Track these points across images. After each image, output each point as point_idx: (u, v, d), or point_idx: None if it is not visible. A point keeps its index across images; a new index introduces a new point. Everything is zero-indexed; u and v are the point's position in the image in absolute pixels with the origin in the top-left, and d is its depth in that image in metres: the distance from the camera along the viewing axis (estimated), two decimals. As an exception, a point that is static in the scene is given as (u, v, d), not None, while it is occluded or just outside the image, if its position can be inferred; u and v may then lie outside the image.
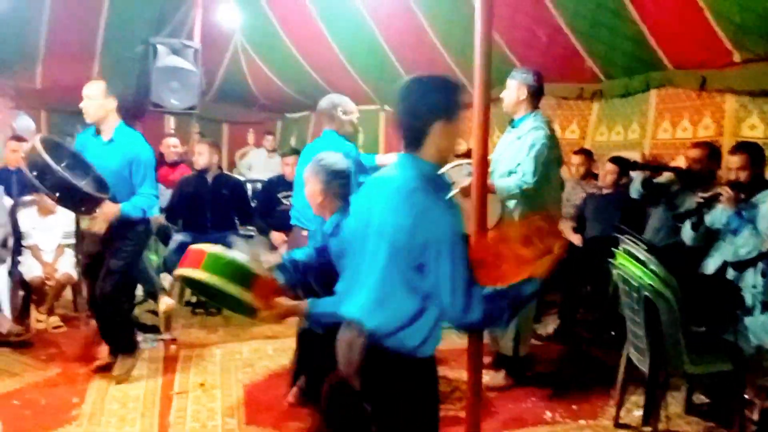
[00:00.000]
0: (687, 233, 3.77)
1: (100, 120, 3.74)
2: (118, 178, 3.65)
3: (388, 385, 1.87)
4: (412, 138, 1.90)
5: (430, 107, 1.88)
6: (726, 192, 3.44)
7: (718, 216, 3.54)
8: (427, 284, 1.78)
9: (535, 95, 3.60)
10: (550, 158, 3.49)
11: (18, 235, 4.72)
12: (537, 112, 3.61)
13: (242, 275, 2.23)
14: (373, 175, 2.12)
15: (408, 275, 1.80)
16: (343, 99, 4.03)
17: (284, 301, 2.22)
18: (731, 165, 3.67)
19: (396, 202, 1.82)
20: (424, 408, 1.91)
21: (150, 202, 3.77)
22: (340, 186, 2.86)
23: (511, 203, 3.49)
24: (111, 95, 3.75)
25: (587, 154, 5.38)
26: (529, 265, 1.91)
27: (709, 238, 3.66)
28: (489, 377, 3.64)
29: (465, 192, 3.28)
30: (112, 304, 3.71)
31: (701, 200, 3.61)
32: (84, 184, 3.45)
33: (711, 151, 4.11)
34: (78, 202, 3.49)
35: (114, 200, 3.57)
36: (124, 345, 3.84)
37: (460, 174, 3.46)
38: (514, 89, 3.57)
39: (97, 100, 3.70)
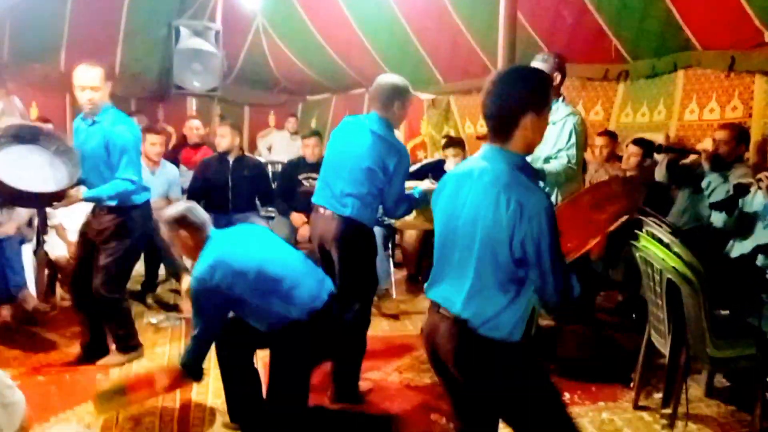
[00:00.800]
0: (719, 217, 3.72)
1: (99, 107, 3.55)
2: (96, 161, 3.49)
3: (490, 373, 1.91)
4: (502, 130, 1.89)
5: (523, 100, 1.87)
6: (766, 178, 3.38)
7: (755, 202, 3.49)
8: (526, 274, 1.83)
9: (563, 80, 3.55)
10: (583, 143, 3.51)
11: (43, 214, 4.79)
12: (563, 97, 3.57)
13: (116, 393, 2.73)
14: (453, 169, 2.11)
15: (505, 267, 1.83)
16: (408, 90, 3.33)
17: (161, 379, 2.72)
18: None
19: (491, 196, 1.82)
20: (532, 386, 1.96)
21: (122, 187, 3.45)
22: (189, 229, 2.82)
23: (548, 188, 3.45)
24: (107, 79, 3.55)
25: (611, 136, 5.30)
26: (601, 230, 1.91)
27: (740, 223, 3.61)
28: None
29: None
30: (105, 302, 3.58)
31: (738, 184, 3.56)
32: (39, 181, 3.26)
33: (739, 133, 4.03)
34: (35, 201, 3.45)
35: (87, 185, 3.44)
36: (121, 343, 3.74)
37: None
38: (549, 74, 3.48)
39: (103, 90, 3.52)
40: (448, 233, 1.97)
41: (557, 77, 3.46)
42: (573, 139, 3.39)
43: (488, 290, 1.85)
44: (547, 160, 3.43)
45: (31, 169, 3.31)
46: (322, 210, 3.24)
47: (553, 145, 3.42)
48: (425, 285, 2.08)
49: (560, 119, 3.44)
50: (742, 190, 3.55)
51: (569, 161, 3.37)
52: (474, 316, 1.86)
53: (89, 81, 3.46)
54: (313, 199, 3.35)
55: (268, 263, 2.71)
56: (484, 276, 1.85)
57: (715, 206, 3.73)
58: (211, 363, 3.68)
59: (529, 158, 2.00)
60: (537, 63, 3.44)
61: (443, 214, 2.00)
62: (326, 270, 3.09)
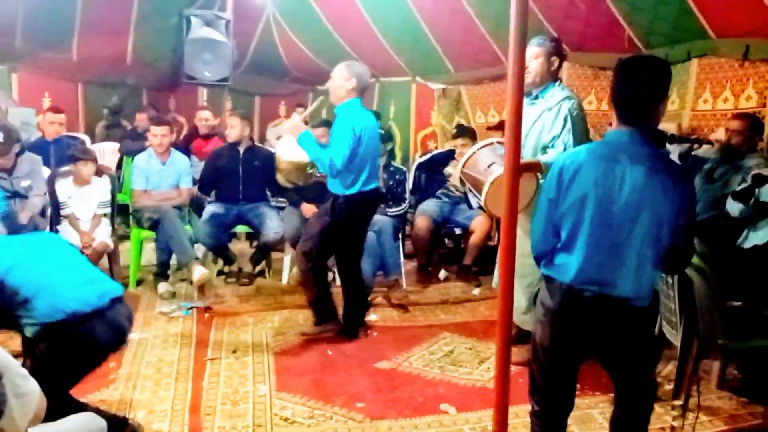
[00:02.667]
0: (735, 207, 3.68)
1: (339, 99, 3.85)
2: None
3: (643, 337, 2.18)
4: (642, 114, 2.04)
5: (663, 87, 2.06)
6: None
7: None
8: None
9: (560, 64, 3.48)
10: (582, 129, 3.39)
11: (56, 204, 4.83)
12: (560, 81, 3.50)
13: None
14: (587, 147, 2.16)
15: (663, 245, 2.02)
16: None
17: None
18: None
19: (657, 181, 1.97)
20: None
21: (320, 154, 3.77)
22: None
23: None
24: (353, 76, 3.79)
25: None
26: None
27: (755, 212, 3.58)
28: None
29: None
30: (308, 269, 3.92)
31: (757, 174, 3.52)
32: None
33: (752, 123, 3.99)
34: None
35: None
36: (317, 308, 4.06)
37: (495, 155, 3.36)
38: (545, 58, 3.40)
39: (339, 80, 3.82)
40: (599, 218, 2.02)
41: (555, 61, 3.40)
42: (568, 125, 3.29)
43: (646, 267, 2.02)
44: (543, 149, 3.35)
45: None
46: None
47: (549, 131, 3.33)
48: (544, 263, 2.22)
49: (555, 104, 3.34)
50: (759, 179, 3.51)
51: (566, 149, 3.25)
52: (633, 292, 2.04)
53: None
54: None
55: (10, 272, 2.48)
56: (646, 256, 2.01)
57: (737, 196, 3.66)
58: (222, 351, 3.73)
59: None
60: (533, 46, 3.35)
61: (592, 201, 2.03)
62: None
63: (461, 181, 3.54)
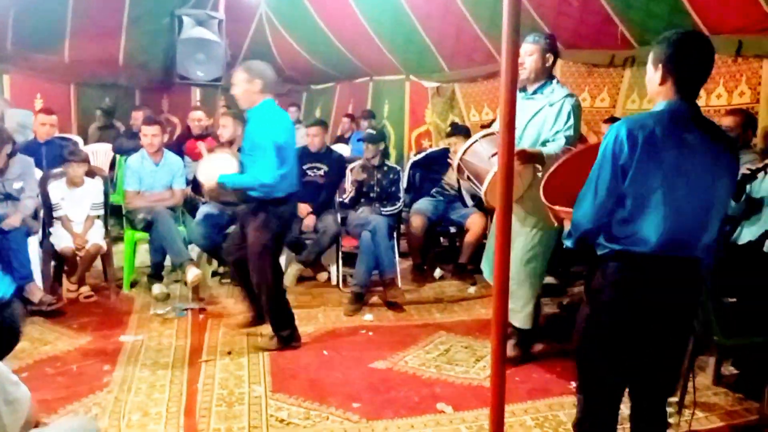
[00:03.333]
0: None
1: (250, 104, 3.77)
2: (246, 155, 3.79)
3: (696, 297, 2.28)
4: (698, 89, 2.15)
5: (711, 66, 2.12)
6: None
7: (762, 187, 3.46)
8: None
9: (555, 61, 3.50)
10: (579, 125, 3.46)
11: (48, 206, 4.80)
12: (556, 78, 3.53)
13: None
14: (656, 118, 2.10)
15: (726, 206, 2.21)
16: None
17: None
18: None
19: (725, 158, 2.11)
20: None
21: (244, 180, 3.69)
22: None
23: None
24: (256, 77, 3.70)
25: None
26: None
27: (748, 208, 3.58)
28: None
29: (521, 157, 3.20)
30: (260, 279, 3.77)
31: (747, 171, 3.52)
32: None
33: (746, 119, 3.99)
34: None
35: None
36: (278, 333, 3.88)
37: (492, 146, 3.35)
38: (539, 55, 3.41)
39: (243, 86, 3.71)
40: (679, 183, 2.05)
41: (549, 58, 3.41)
42: (571, 121, 3.34)
43: (714, 230, 2.13)
44: (544, 143, 3.38)
45: None
46: None
47: (551, 127, 3.36)
48: (604, 238, 2.16)
49: (557, 101, 3.37)
50: (749, 176, 3.53)
51: (567, 143, 3.30)
52: (705, 253, 2.14)
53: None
54: None
55: None
56: (715, 219, 2.11)
57: None
58: (217, 353, 3.72)
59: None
60: (528, 43, 3.38)
61: (671, 166, 2.04)
62: None
63: (459, 169, 3.49)
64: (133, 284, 5.03)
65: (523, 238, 3.49)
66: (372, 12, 7.23)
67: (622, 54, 5.60)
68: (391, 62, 8.07)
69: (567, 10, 5.47)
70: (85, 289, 4.74)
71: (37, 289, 4.34)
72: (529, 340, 3.69)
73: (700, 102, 4.95)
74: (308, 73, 9.55)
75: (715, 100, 4.85)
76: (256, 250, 3.70)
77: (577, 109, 3.39)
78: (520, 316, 3.55)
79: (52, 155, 5.20)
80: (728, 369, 3.44)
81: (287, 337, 3.86)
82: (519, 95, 3.47)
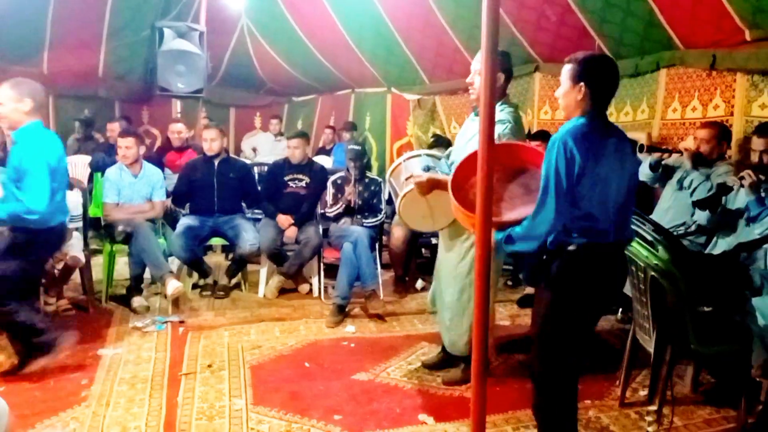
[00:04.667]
0: (703, 215, 3.76)
1: (15, 125, 3.40)
2: (10, 180, 3.37)
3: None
4: (608, 103, 2.50)
5: (618, 84, 2.52)
6: (750, 177, 3.42)
7: (737, 199, 3.52)
8: None
9: (507, 80, 3.32)
10: (516, 131, 3.22)
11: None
12: (505, 100, 3.30)
13: None
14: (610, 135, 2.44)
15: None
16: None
17: None
18: (756, 147, 3.65)
19: (629, 150, 2.53)
20: None
21: (12, 209, 3.29)
22: None
23: None
24: (26, 96, 3.35)
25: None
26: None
27: (724, 220, 3.65)
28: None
29: (422, 187, 3.15)
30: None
31: (722, 184, 3.59)
32: None
33: (720, 131, 4.07)
34: None
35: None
36: (32, 348, 3.54)
37: (415, 167, 3.30)
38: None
39: (10, 104, 3.34)
40: (615, 182, 2.39)
41: (500, 77, 3.20)
42: (504, 124, 3.13)
43: (630, 216, 2.60)
44: None
45: None
46: None
47: None
48: (574, 234, 2.39)
49: (496, 122, 3.23)
50: (724, 188, 3.59)
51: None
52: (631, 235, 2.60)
53: None
54: None
55: None
56: (632, 207, 2.55)
57: (699, 204, 3.75)
58: (197, 366, 3.69)
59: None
60: (476, 62, 3.21)
61: (611, 168, 2.38)
62: None
63: (392, 188, 3.50)
64: (112, 297, 4.99)
65: (458, 266, 3.38)
66: (353, 24, 7.28)
67: (599, 67, 5.68)
68: (372, 74, 8.11)
69: (545, 23, 5.56)
70: (63, 303, 4.69)
71: (14, 303, 4.26)
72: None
73: (676, 114, 5.07)
74: (290, 84, 9.56)
75: (691, 113, 4.94)
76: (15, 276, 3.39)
77: (512, 115, 3.20)
78: (459, 345, 3.47)
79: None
80: (706, 377, 3.49)
81: (42, 344, 3.53)
82: (471, 116, 3.43)
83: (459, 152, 3.31)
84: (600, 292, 2.49)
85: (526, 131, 6.33)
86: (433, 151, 3.73)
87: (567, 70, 2.47)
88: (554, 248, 2.42)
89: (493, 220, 2.36)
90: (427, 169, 3.26)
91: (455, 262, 3.41)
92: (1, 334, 3.74)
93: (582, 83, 2.40)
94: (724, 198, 3.63)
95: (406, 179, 3.23)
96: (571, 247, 2.40)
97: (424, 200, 3.20)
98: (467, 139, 3.29)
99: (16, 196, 3.30)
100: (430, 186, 3.17)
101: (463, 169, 2.79)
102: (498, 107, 3.18)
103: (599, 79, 2.42)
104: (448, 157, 3.51)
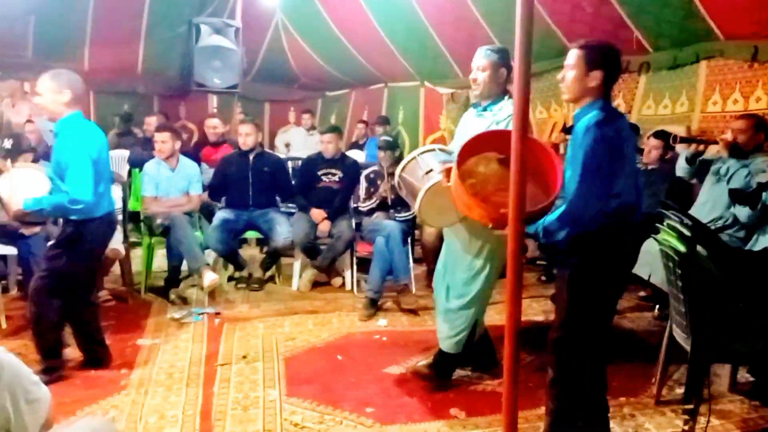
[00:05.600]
0: (743, 211, 3.67)
1: (55, 116, 3.39)
2: (55, 173, 3.38)
3: None
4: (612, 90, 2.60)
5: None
6: None
7: None
8: None
9: (509, 75, 3.19)
10: None
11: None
12: (509, 94, 3.18)
13: None
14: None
15: None
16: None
17: None
18: None
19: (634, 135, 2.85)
20: None
21: (57, 200, 3.30)
22: None
23: None
24: (65, 87, 3.32)
25: (633, 129, 5.24)
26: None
27: (764, 216, 3.56)
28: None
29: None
30: (35, 307, 3.41)
31: (764, 180, 3.51)
32: None
33: (757, 123, 3.97)
34: None
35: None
36: (42, 357, 3.47)
37: (433, 162, 3.21)
38: (492, 70, 3.17)
39: (49, 95, 3.34)
40: (631, 165, 2.54)
41: (503, 73, 3.17)
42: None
43: None
44: None
45: None
46: None
47: None
48: (607, 215, 2.45)
49: (503, 119, 3.11)
50: (765, 185, 3.51)
51: None
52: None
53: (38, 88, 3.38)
54: None
55: None
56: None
57: (738, 199, 3.67)
58: (233, 357, 3.75)
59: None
60: (479, 57, 3.21)
61: (629, 152, 2.53)
62: None
63: (399, 185, 3.41)
64: (150, 289, 5.09)
65: (465, 263, 3.30)
66: (386, 19, 7.28)
67: (637, 59, 5.59)
68: (405, 69, 8.10)
69: (580, 15, 5.47)
70: (103, 294, 4.80)
71: (56, 294, 4.39)
72: (450, 364, 3.45)
73: (716, 107, 4.96)
74: (323, 79, 9.62)
75: (732, 105, 4.82)
76: (58, 270, 3.38)
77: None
78: (448, 342, 3.38)
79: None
80: (744, 376, 3.42)
81: (52, 367, 3.45)
82: (471, 111, 3.37)
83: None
84: (625, 268, 2.64)
85: (562, 125, 6.27)
86: (446, 147, 3.66)
87: (579, 56, 2.51)
88: (596, 229, 2.46)
89: (501, 212, 2.42)
90: (445, 162, 3.19)
91: (471, 257, 3.28)
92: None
93: (598, 70, 2.47)
94: (764, 194, 3.54)
95: (426, 173, 3.14)
96: (601, 227, 2.46)
97: (444, 195, 3.11)
98: (469, 136, 3.14)
99: (61, 189, 3.33)
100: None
101: (463, 158, 2.76)
102: (506, 102, 3.17)
103: (613, 66, 2.52)
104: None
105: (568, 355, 2.60)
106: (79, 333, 3.68)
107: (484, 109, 3.25)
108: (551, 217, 2.47)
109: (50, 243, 3.50)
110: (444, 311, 3.40)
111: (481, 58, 3.21)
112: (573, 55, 2.54)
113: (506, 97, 3.21)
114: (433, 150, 3.32)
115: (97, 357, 3.67)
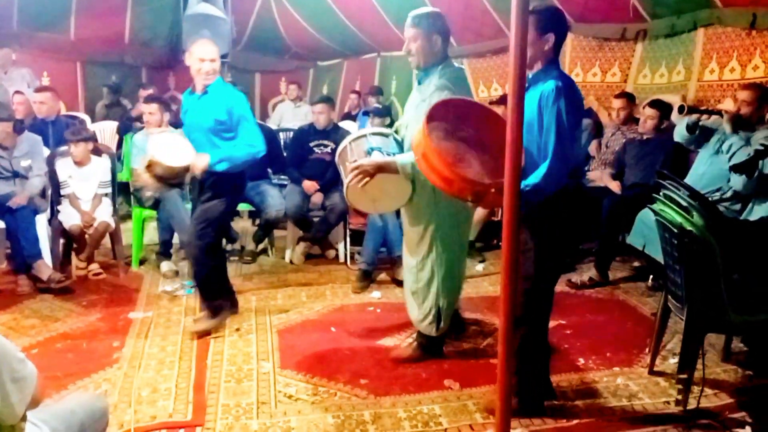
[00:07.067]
0: (739, 180, 3.64)
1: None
2: (209, 132, 3.61)
3: None
4: None
5: None
6: None
7: None
8: None
9: (446, 41, 3.06)
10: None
11: (56, 184, 4.81)
12: (446, 63, 3.05)
13: None
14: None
15: None
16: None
17: None
18: None
19: None
20: None
21: (245, 153, 3.57)
22: None
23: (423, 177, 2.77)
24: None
25: (629, 98, 5.19)
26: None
27: (761, 185, 3.54)
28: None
29: (365, 175, 2.91)
30: (199, 259, 3.68)
31: (761, 147, 3.47)
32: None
33: (762, 93, 3.91)
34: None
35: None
36: (208, 303, 3.78)
37: (360, 150, 3.12)
38: (424, 39, 2.99)
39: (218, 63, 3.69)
40: None
41: (437, 40, 3.00)
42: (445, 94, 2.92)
43: None
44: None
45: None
46: None
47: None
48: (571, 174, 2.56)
49: (429, 95, 2.96)
50: (762, 153, 3.47)
51: None
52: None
53: (210, 54, 3.62)
54: None
55: None
56: None
57: (736, 168, 3.64)
58: (226, 329, 3.73)
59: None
60: (409, 27, 3.02)
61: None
62: None
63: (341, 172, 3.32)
64: (141, 262, 5.05)
65: (413, 248, 3.22)
66: (379, -14, 7.14)
67: (633, 27, 5.51)
68: (398, 38, 7.94)
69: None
70: (94, 267, 4.76)
71: (46, 267, 4.36)
72: (433, 346, 3.38)
73: (713, 76, 4.91)
74: (315, 49, 9.47)
75: (729, 74, 4.77)
76: (211, 216, 3.62)
77: (452, 78, 2.98)
78: (423, 324, 3.29)
79: (59, 133, 5.21)
80: (738, 346, 3.42)
81: (220, 306, 3.80)
82: (415, 83, 3.21)
83: (412, 123, 3.02)
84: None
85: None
86: (381, 129, 3.57)
87: (530, 21, 2.37)
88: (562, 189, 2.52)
89: (468, 178, 2.45)
90: (371, 151, 3.06)
91: (416, 241, 3.20)
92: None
93: (550, 33, 2.50)
94: (761, 162, 3.51)
95: (352, 163, 3.02)
96: (566, 186, 2.53)
97: (370, 187, 2.99)
98: (415, 106, 3.10)
99: (220, 145, 3.58)
100: (375, 171, 2.95)
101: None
102: (438, 71, 3.02)
103: (562, 29, 2.57)
104: (397, 132, 3.29)
105: (531, 307, 2.64)
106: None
107: (419, 82, 3.12)
108: (535, 180, 2.45)
109: (203, 197, 3.66)
110: (408, 293, 3.37)
111: (409, 28, 3.02)
112: None
113: (439, 66, 3.02)
114: (364, 136, 3.19)
115: (234, 299, 3.98)
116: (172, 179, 3.60)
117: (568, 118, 2.43)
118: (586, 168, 5.32)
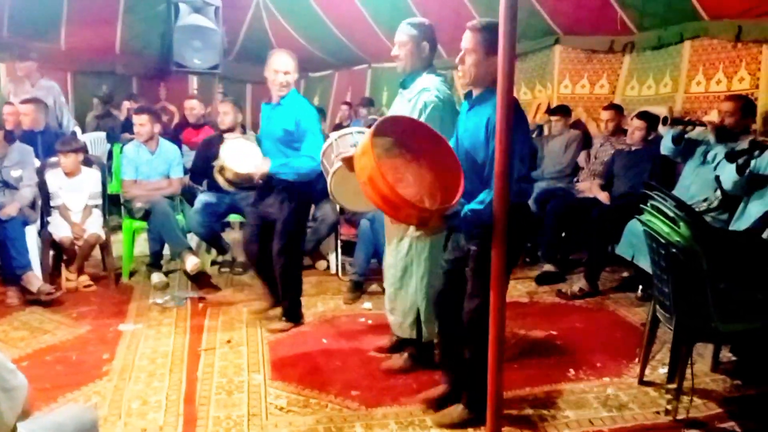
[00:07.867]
0: (730, 178, 3.65)
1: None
2: (278, 142, 3.77)
3: None
4: None
5: None
6: None
7: (764, 164, 3.44)
8: None
9: (433, 50, 3.18)
10: (446, 121, 3.02)
11: (46, 195, 4.79)
12: (430, 69, 3.18)
13: None
14: None
15: None
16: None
17: None
18: None
19: None
20: None
21: (307, 165, 3.67)
22: None
23: None
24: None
25: (617, 110, 5.24)
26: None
27: (750, 185, 3.57)
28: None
29: (349, 162, 2.85)
30: (281, 268, 3.87)
31: (755, 142, 3.49)
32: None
33: (745, 104, 3.98)
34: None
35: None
36: (289, 310, 4.00)
37: (345, 144, 3.21)
38: (413, 45, 3.12)
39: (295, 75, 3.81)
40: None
41: (425, 47, 3.13)
42: (422, 118, 2.96)
43: None
44: None
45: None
46: None
47: None
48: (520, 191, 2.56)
49: (414, 95, 3.08)
50: (757, 146, 3.48)
51: None
52: None
53: (284, 66, 3.75)
54: None
55: None
56: None
57: (731, 157, 3.62)
58: (217, 341, 3.72)
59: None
60: (398, 33, 3.15)
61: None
62: None
63: (325, 172, 3.37)
64: (132, 273, 5.03)
65: (395, 243, 3.28)
66: (370, -1, 7.18)
67: (621, 39, 5.58)
68: (389, 49, 7.96)
69: (565, -5, 5.45)
70: (84, 279, 4.74)
71: (35, 279, 4.34)
72: (424, 352, 3.39)
73: (700, 87, 4.97)
74: (306, 60, 9.45)
75: (715, 86, 4.83)
76: (291, 229, 3.83)
77: (432, 104, 3.01)
78: (403, 326, 3.34)
79: (48, 144, 5.20)
80: (726, 356, 3.45)
81: (298, 314, 4.05)
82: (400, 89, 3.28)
83: None
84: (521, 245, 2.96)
85: (546, 106, 6.25)
86: (365, 129, 3.63)
87: (480, 39, 2.45)
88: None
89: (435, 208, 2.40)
90: (355, 145, 3.12)
91: (395, 243, 3.27)
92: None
93: (496, 55, 2.22)
94: (753, 161, 3.52)
95: (336, 157, 3.11)
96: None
97: (353, 179, 3.04)
98: (400, 108, 3.18)
99: (288, 155, 3.74)
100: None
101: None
102: (425, 75, 3.14)
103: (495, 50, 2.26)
104: None
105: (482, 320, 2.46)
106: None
107: (404, 86, 3.21)
108: (477, 205, 2.43)
109: (286, 207, 3.81)
110: (388, 301, 3.41)
111: (400, 34, 3.17)
112: (470, 38, 2.49)
113: (425, 73, 3.15)
114: (351, 133, 3.28)
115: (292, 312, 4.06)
116: (240, 183, 3.86)
117: (516, 144, 2.27)
118: (575, 179, 5.37)
